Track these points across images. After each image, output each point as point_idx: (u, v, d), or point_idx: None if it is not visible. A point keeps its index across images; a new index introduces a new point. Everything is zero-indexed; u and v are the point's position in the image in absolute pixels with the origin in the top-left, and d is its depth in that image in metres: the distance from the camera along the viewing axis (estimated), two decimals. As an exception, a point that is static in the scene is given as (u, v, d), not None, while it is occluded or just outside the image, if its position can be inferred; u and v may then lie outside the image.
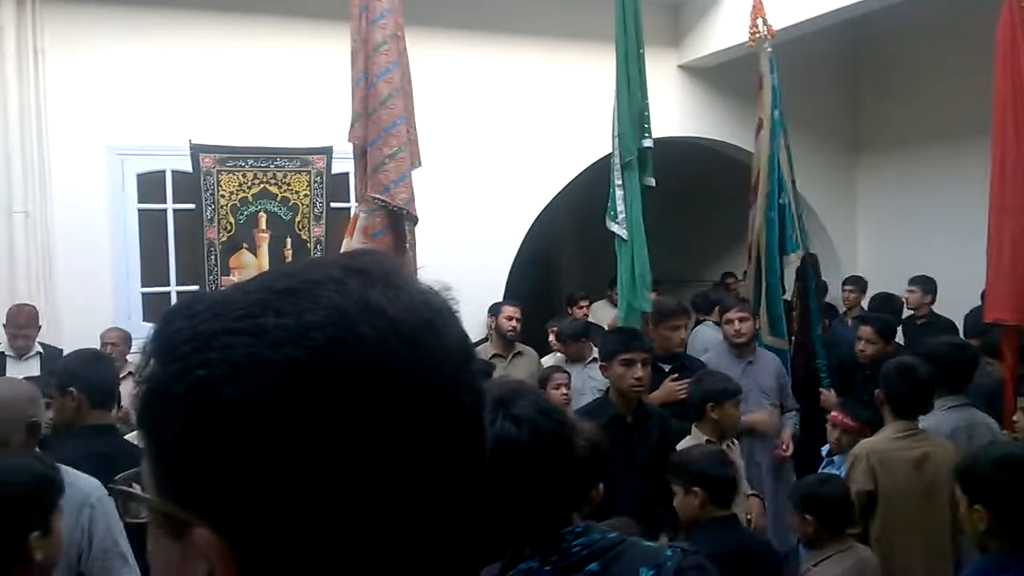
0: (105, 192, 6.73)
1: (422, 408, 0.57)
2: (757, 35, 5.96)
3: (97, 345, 5.67)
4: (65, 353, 5.93)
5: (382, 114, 4.47)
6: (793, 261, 5.86)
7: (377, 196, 4.57)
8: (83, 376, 3.30)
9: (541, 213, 8.03)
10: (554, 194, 8.08)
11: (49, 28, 6.57)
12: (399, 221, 4.69)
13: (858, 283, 7.95)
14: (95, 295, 6.62)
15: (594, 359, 6.15)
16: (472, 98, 7.71)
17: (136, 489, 0.63)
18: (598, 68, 7.23)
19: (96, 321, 6.27)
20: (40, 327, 6.02)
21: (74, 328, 6.41)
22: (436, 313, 0.61)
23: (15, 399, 2.55)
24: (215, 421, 0.55)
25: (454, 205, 7.38)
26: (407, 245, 4.75)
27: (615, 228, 4.87)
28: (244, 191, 7.14)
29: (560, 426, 1.64)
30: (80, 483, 2.61)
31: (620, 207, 4.85)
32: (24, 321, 5.86)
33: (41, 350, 5.96)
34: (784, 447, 5.01)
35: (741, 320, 5.14)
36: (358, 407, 0.55)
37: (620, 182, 4.88)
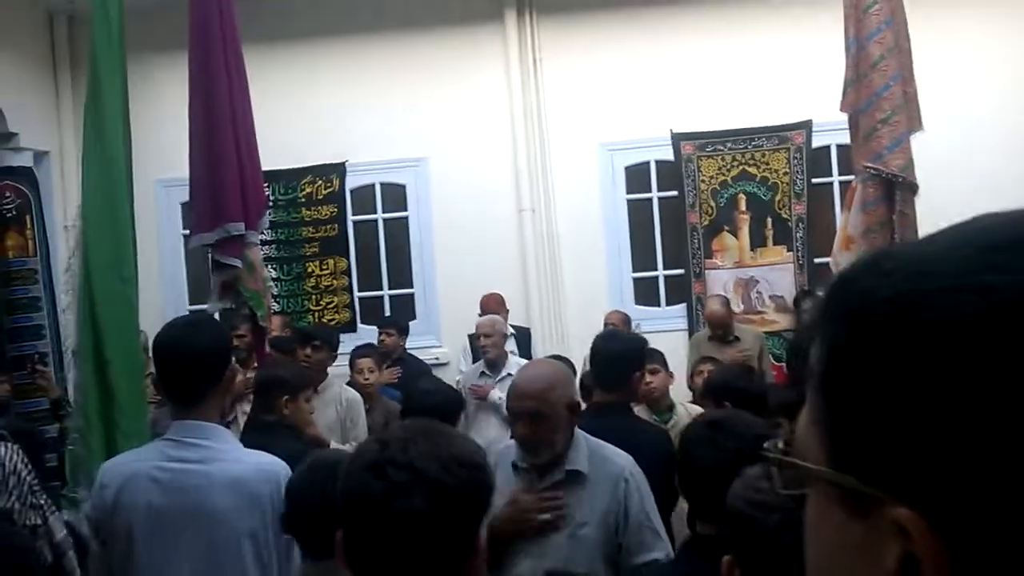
0: (597, 186, 7.29)
1: None
2: None
3: (599, 327, 6.14)
4: (532, 333, 6.69)
5: (874, 77, 4.28)
6: None
7: (869, 165, 4.33)
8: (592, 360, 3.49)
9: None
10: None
11: (545, 39, 7.29)
12: (894, 190, 4.40)
13: None
14: (592, 281, 7.21)
15: None
16: (981, 51, 6.92)
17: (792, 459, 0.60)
18: None
19: (593, 305, 6.82)
20: (508, 310, 6.60)
21: (576, 312, 7.06)
22: None
23: (560, 381, 2.69)
24: (929, 389, 0.51)
25: (962, 169, 6.67)
26: (902, 215, 4.44)
27: None
28: (723, 174, 7.23)
29: None
30: (615, 457, 2.72)
31: None
32: (494, 308, 6.46)
33: (514, 332, 6.59)
34: None
35: None
36: None
37: None
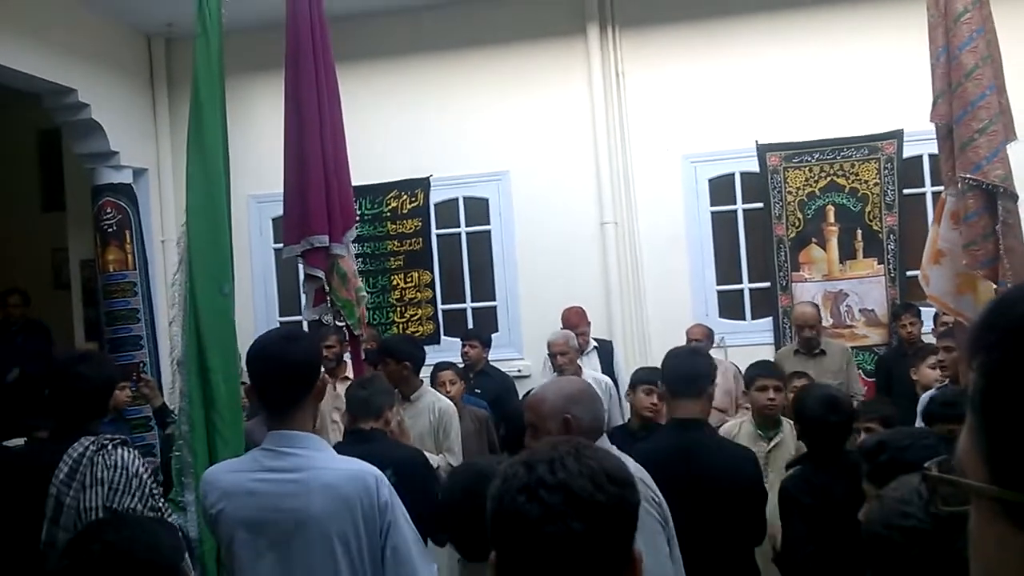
0: (680, 198, 7.22)
1: None
2: None
3: (682, 342, 6.09)
4: (615, 346, 6.67)
5: (968, 87, 4.16)
6: None
7: (968, 176, 4.21)
8: (669, 371, 3.46)
9: None
10: None
11: (628, 52, 7.29)
12: (994, 201, 4.27)
13: None
14: (675, 294, 7.14)
15: None
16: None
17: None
18: None
19: (676, 319, 6.76)
20: (590, 323, 6.60)
21: (659, 325, 7.01)
22: None
23: (556, 396, 2.67)
24: None
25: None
26: (1006, 226, 4.31)
27: None
28: (811, 185, 7.10)
29: None
30: None
31: None
32: (576, 321, 6.47)
33: (596, 344, 6.60)
34: None
35: None
36: None
37: None
